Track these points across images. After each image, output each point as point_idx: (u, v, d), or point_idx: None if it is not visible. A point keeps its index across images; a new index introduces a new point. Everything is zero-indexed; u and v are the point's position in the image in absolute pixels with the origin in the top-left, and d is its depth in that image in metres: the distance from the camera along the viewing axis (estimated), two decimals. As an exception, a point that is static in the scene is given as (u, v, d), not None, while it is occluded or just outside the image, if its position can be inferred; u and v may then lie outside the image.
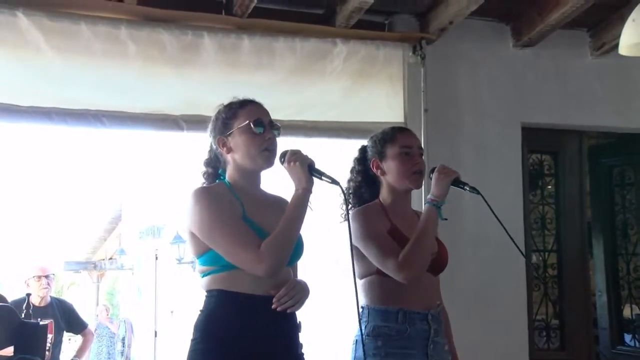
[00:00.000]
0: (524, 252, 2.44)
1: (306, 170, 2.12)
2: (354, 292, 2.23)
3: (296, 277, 2.28)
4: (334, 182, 2.15)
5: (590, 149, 4.69)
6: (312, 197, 2.15)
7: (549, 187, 4.52)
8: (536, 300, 4.30)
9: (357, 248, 2.45)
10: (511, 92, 4.14)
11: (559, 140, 4.43)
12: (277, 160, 2.22)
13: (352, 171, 2.67)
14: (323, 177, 2.14)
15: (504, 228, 2.42)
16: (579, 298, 4.34)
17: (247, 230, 2.08)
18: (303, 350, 2.22)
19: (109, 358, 12.49)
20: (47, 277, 4.85)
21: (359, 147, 2.71)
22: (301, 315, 2.21)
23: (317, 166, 2.15)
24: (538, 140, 4.30)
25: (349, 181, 2.66)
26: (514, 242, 2.43)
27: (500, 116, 4.10)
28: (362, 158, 2.66)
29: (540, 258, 4.41)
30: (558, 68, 4.23)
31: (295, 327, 2.19)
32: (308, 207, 2.15)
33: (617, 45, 3.17)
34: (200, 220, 2.11)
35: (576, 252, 4.38)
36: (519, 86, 4.16)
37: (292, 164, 2.13)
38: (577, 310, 4.31)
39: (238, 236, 2.07)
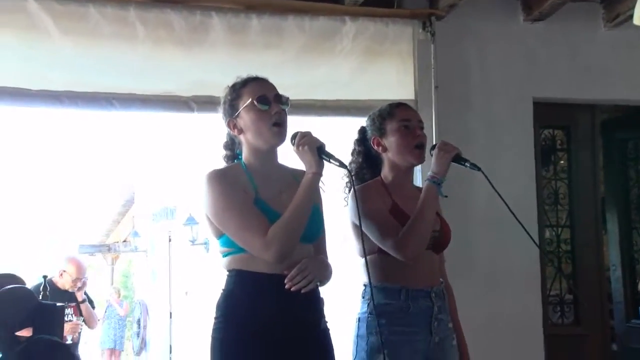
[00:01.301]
0: (533, 235, 2.42)
1: (315, 154, 2.12)
2: (362, 269, 2.24)
3: (323, 252, 2.29)
4: (342, 165, 2.15)
5: (603, 123, 4.65)
6: (324, 179, 2.16)
7: (562, 162, 4.49)
8: (550, 276, 4.30)
9: (358, 227, 2.46)
10: (522, 67, 4.10)
11: (571, 115, 4.39)
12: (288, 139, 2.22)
13: (352, 153, 2.66)
14: (332, 160, 2.14)
15: (505, 203, 2.40)
16: (592, 273, 4.33)
17: (257, 215, 2.09)
18: (327, 325, 2.24)
19: (115, 339, 12.70)
20: (81, 279, 4.96)
21: (358, 128, 2.69)
22: (325, 290, 2.22)
23: (326, 149, 2.14)
24: (550, 115, 4.27)
25: (350, 163, 2.63)
26: (515, 217, 2.41)
27: (511, 91, 4.07)
28: (362, 138, 2.64)
29: (554, 233, 4.39)
30: (570, 41, 4.18)
31: (315, 304, 2.21)
32: (320, 189, 2.15)
33: (631, 16, 3.12)
34: (211, 205, 2.13)
35: (590, 227, 4.36)
36: (530, 61, 4.11)
37: (300, 147, 2.13)
38: (591, 284, 4.31)
39: (247, 222, 2.08)
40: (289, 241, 2.08)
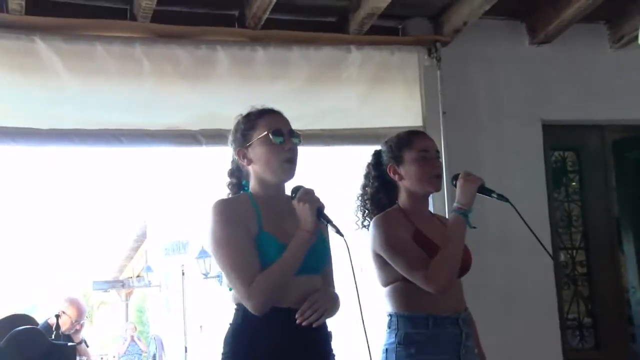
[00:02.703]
0: (551, 253, 2.39)
1: (314, 214, 2.10)
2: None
3: (329, 284, 2.26)
4: (338, 232, 2.11)
5: (614, 144, 4.61)
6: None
7: (573, 183, 4.45)
8: (566, 299, 4.23)
9: (380, 256, 2.43)
10: (529, 90, 4.09)
11: (581, 136, 4.36)
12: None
13: (367, 177, 2.64)
14: (329, 225, 2.12)
15: (533, 233, 2.39)
16: (611, 295, 4.26)
17: (248, 258, 2.06)
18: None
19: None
20: (80, 322, 4.98)
21: (372, 152, 2.68)
22: (331, 324, 2.19)
23: (325, 211, 2.13)
24: (559, 136, 4.25)
25: (364, 187, 2.63)
26: (542, 245, 2.39)
27: (520, 115, 4.05)
28: (377, 163, 2.63)
29: (568, 256, 4.34)
30: (576, 63, 4.17)
31: (325, 338, 2.17)
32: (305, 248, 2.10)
33: (637, 37, 3.12)
34: (210, 237, 2.11)
35: (605, 249, 4.30)
36: (537, 83, 4.10)
37: (302, 204, 2.11)
38: (610, 307, 4.23)
39: (236, 264, 2.06)
40: (270, 294, 2.04)
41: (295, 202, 2.13)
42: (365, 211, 2.60)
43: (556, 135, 4.20)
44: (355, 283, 2.10)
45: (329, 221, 2.12)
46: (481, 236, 3.68)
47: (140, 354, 13.00)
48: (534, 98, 4.09)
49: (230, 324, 2.15)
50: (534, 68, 4.12)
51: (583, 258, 4.34)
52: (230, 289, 2.15)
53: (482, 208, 3.39)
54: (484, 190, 2.46)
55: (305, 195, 2.13)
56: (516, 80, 4.09)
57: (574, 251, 4.35)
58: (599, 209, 4.31)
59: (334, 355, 2.20)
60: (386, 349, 2.42)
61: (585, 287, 4.32)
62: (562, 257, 4.31)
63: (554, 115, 4.12)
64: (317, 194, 2.16)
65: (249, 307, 2.04)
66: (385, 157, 2.59)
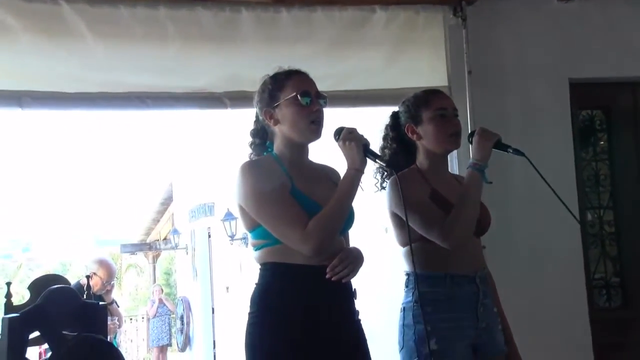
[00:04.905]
0: (576, 215, 2.39)
1: (361, 151, 2.11)
2: (404, 258, 2.21)
3: (348, 245, 2.29)
4: (388, 165, 2.15)
5: (646, 101, 4.53)
6: (363, 177, 2.15)
7: (602, 142, 4.40)
8: (593, 259, 4.21)
9: (397, 216, 2.44)
10: (557, 48, 4.01)
11: (611, 94, 4.29)
12: (325, 134, 2.22)
13: (385, 138, 2.65)
14: (377, 160, 2.14)
15: (549, 185, 2.37)
16: (640, 254, 4.23)
17: (294, 207, 2.08)
18: (360, 317, 2.24)
19: (169, 335, 13.04)
20: (111, 282, 5.08)
21: (390, 113, 2.68)
22: (355, 283, 2.22)
23: (371, 147, 2.14)
24: (588, 95, 4.18)
25: (382, 148, 2.63)
26: (563, 203, 2.38)
27: (547, 73, 3.99)
28: (395, 124, 2.63)
29: (596, 215, 4.31)
30: (607, 19, 4.07)
31: (350, 295, 2.21)
32: (359, 187, 2.14)
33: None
34: (247, 196, 2.13)
35: (634, 208, 4.26)
36: (564, 41, 4.02)
37: (347, 143, 2.12)
38: (639, 267, 4.21)
39: (284, 213, 2.08)
40: (329, 235, 2.07)
41: (340, 143, 2.14)
42: (384, 173, 2.61)
43: (584, 94, 4.13)
44: (406, 215, 2.14)
45: (377, 156, 2.15)
46: (507, 194, 3.70)
47: (169, 314, 13.32)
48: (561, 56, 4.02)
49: (256, 284, 2.18)
50: (561, 25, 4.04)
51: (611, 218, 4.31)
52: (258, 248, 2.18)
53: (508, 167, 3.39)
54: (500, 145, 2.45)
55: (349, 134, 2.14)
56: (543, 38, 4.01)
57: (602, 210, 4.32)
58: (628, 168, 4.26)
59: (358, 312, 2.24)
60: (404, 308, 2.46)
61: (613, 246, 4.30)
62: (589, 216, 4.28)
63: (582, 73, 4.04)
64: (360, 131, 2.16)
65: (306, 250, 2.05)
66: (403, 118, 2.60)
